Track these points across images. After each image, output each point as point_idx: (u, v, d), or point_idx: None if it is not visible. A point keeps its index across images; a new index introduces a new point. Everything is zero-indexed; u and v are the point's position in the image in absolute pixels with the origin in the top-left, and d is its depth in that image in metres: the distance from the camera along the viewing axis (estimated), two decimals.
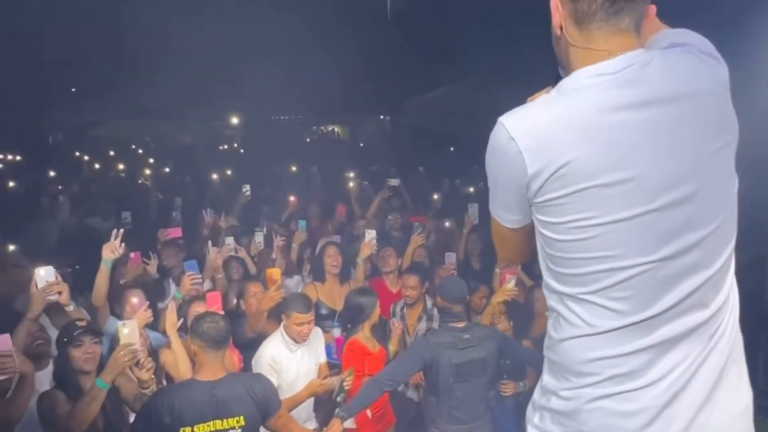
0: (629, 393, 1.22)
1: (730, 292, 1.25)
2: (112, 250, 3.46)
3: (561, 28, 1.27)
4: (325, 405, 3.77)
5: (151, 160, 13.30)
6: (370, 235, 4.76)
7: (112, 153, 15.46)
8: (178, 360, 3.32)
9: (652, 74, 1.19)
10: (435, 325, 4.22)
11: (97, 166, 12.67)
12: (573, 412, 1.28)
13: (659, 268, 1.18)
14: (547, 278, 1.31)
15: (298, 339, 3.54)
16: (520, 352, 3.62)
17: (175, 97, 16.92)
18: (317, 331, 3.79)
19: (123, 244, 3.54)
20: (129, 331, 2.85)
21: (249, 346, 3.79)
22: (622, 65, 1.20)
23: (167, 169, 12.12)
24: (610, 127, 1.16)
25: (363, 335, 3.81)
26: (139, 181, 9.68)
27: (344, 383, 3.41)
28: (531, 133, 1.20)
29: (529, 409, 1.43)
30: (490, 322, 3.94)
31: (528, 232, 1.32)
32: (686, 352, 1.22)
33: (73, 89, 21.05)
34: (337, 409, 3.37)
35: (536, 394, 1.41)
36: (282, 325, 3.61)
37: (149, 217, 7.13)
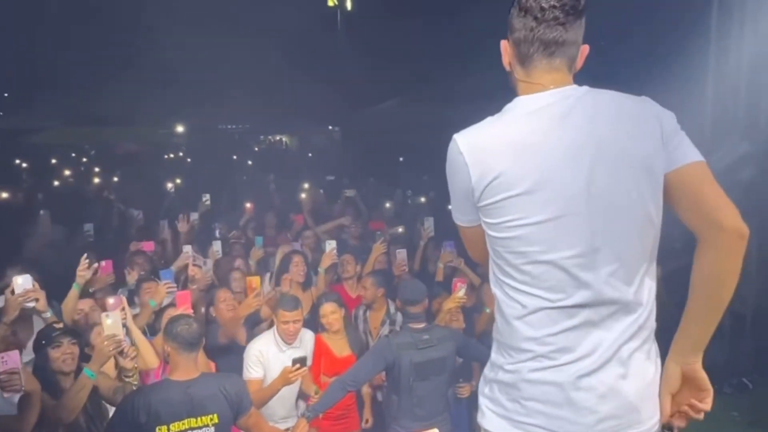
0: (560, 366, 1.49)
1: (640, 287, 1.50)
2: (81, 274, 3.64)
3: (510, 65, 1.58)
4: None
5: (97, 169, 12.97)
6: (331, 245, 4.90)
7: (54, 160, 14.96)
8: (142, 351, 3.37)
9: (576, 106, 1.48)
10: (398, 328, 4.40)
11: (39, 174, 12.27)
12: (515, 382, 1.53)
13: (575, 263, 1.45)
14: (492, 269, 1.58)
15: (286, 338, 3.65)
16: (476, 351, 3.81)
17: (120, 104, 16.51)
18: (309, 335, 3.89)
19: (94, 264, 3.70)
20: (112, 321, 2.93)
21: (223, 354, 3.87)
22: (551, 98, 1.49)
23: (115, 178, 11.86)
24: (535, 147, 1.45)
25: (326, 335, 3.97)
26: (104, 193, 9.45)
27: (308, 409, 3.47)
28: (474, 149, 1.48)
29: (481, 382, 1.69)
30: (446, 321, 4.14)
31: (479, 231, 1.58)
32: (607, 334, 1.48)
33: (6, 94, 20.18)
34: (302, 410, 3.50)
35: (487, 370, 1.66)
36: (275, 325, 3.73)
37: (111, 227, 7.02)
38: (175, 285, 4.09)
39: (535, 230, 1.44)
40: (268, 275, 5.14)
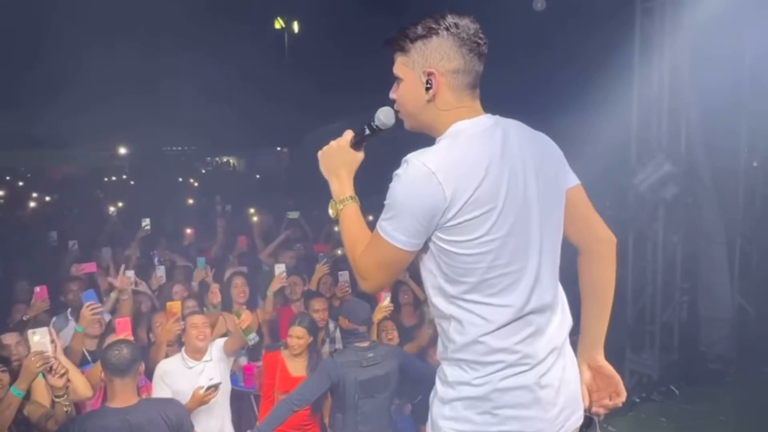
0: (527, 371, 1.59)
1: (558, 289, 1.70)
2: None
3: (436, 94, 1.58)
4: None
5: (35, 194, 12.50)
6: (280, 269, 4.90)
7: None
8: (72, 380, 3.21)
9: (508, 131, 1.61)
10: (338, 346, 4.45)
11: None
12: (486, 394, 1.58)
13: (529, 272, 1.59)
14: (448, 289, 1.57)
15: (196, 342, 3.65)
16: (418, 367, 3.90)
17: (60, 126, 15.98)
18: (219, 342, 3.85)
19: None
20: (39, 338, 2.85)
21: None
22: (486, 123, 1.62)
23: (50, 201, 11.47)
24: (494, 166, 1.54)
25: (286, 353, 3.96)
26: (39, 221, 9.10)
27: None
28: (447, 169, 1.49)
29: (437, 406, 1.65)
30: (381, 338, 4.18)
31: (413, 256, 1.58)
32: (551, 334, 1.64)
33: None
34: (249, 431, 3.50)
35: (442, 392, 1.64)
36: (183, 348, 3.73)
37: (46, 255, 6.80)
38: (99, 305, 3.95)
39: (503, 244, 1.53)
40: None
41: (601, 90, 6.01)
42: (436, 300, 1.61)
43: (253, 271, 6.06)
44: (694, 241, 6.24)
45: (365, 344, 3.74)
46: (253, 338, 3.68)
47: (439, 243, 1.54)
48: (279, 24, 19.05)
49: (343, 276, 5.23)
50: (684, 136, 6.02)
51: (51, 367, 2.86)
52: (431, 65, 1.57)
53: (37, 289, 4.28)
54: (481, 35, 1.58)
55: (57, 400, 2.90)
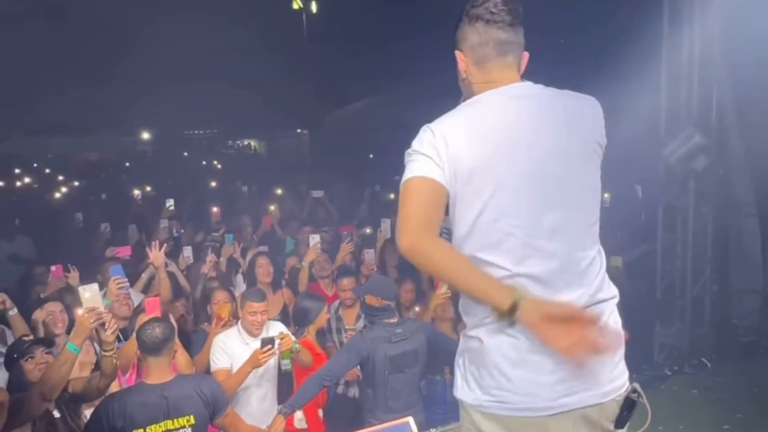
0: (512, 333, 1.57)
1: (589, 263, 1.64)
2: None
3: (466, 71, 1.71)
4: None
5: (61, 177, 12.73)
6: (314, 239, 4.97)
7: (18, 170, 14.59)
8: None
9: (541, 100, 1.65)
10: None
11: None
12: (478, 347, 1.62)
13: (524, 237, 1.57)
14: (453, 233, 1.65)
15: (252, 329, 3.66)
16: (447, 342, 3.91)
17: (85, 112, 16.20)
18: (280, 328, 3.85)
19: None
20: (91, 294, 2.85)
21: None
22: (515, 91, 1.66)
23: (78, 185, 11.68)
24: (504, 127, 1.59)
25: (310, 337, 4.00)
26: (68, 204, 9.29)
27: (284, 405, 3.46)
28: (444, 128, 1.60)
29: (457, 355, 1.75)
30: (436, 315, 4.23)
31: (440, 188, 1.59)
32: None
33: None
34: (279, 406, 3.53)
35: (461, 342, 1.73)
36: (239, 321, 3.74)
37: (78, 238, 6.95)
38: (125, 280, 4.01)
39: (490, 199, 1.57)
40: (240, 276, 5.18)
41: (629, 60, 5.86)
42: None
43: (274, 251, 6.10)
44: (725, 213, 6.12)
45: (393, 320, 3.73)
46: (286, 365, 3.61)
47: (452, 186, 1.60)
48: (297, 4, 18.90)
49: (369, 254, 5.25)
50: (715, 107, 5.86)
51: (103, 323, 2.86)
52: (457, 48, 1.73)
53: (53, 267, 4.39)
54: (496, 4, 1.62)
55: (106, 354, 2.90)
